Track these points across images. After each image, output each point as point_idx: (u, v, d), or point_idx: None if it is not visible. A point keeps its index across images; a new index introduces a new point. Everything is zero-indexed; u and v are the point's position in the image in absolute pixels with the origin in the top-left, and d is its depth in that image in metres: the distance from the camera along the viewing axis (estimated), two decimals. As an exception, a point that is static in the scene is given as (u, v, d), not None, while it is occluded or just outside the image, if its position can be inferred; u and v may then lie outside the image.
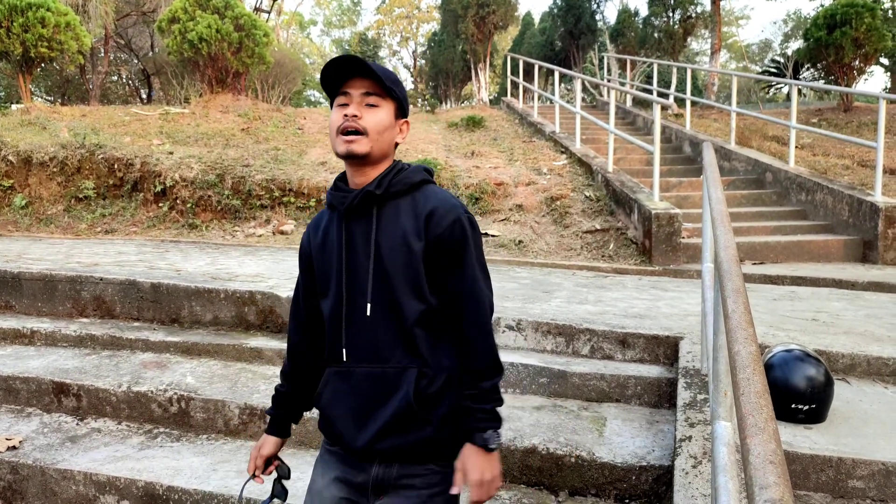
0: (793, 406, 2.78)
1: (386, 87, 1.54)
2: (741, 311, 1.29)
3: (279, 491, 1.82)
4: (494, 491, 1.56)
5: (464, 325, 1.56)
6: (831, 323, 4.04)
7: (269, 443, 1.78)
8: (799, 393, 2.78)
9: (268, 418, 1.83)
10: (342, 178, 1.65)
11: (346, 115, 1.52)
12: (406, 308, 1.54)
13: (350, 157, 1.55)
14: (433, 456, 1.58)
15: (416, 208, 1.56)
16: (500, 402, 1.58)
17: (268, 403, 3.35)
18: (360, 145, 1.52)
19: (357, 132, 1.52)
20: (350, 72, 1.54)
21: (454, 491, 1.56)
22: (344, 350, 1.59)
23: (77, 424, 3.52)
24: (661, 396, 3.36)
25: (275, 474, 1.83)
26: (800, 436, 2.67)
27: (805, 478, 2.54)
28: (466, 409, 1.55)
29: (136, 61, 23.81)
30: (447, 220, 1.54)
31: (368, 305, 1.55)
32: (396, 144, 1.63)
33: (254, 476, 1.78)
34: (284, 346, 3.95)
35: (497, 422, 1.56)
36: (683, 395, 2.92)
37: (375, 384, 1.57)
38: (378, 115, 1.54)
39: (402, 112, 1.61)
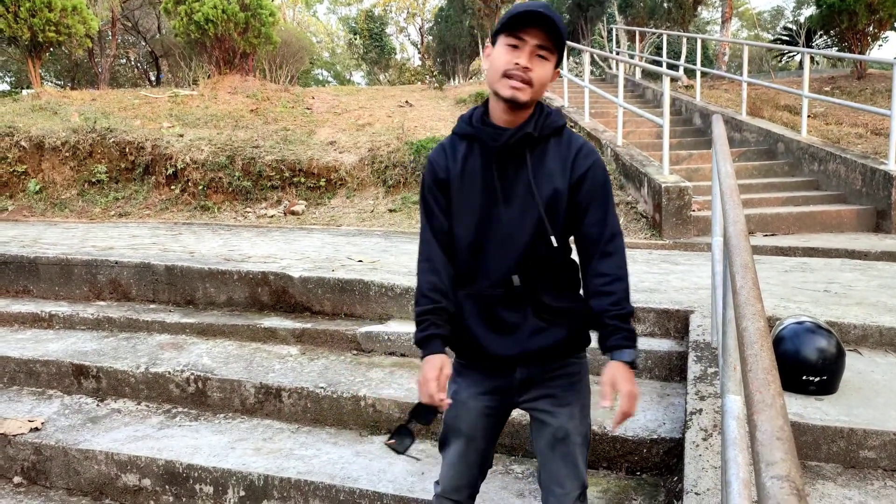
0: (804, 378, 2.79)
1: (560, 43, 1.61)
2: (749, 286, 1.30)
3: (406, 438, 1.77)
4: (636, 404, 1.67)
5: (608, 259, 1.69)
6: (843, 294, 4.03)
7: (447, 361, 1.69)
8: (810, 365, 2.79)
9: (423, 345, 1.73)
10: (483, 113, 1.73)
11: (517, 64, 1.58)
12: (546, 239, 1.69)
13: (512, 103, 1.62)
14: (569, 351, 1.78)
15: (560, 151, 1.70)
16: (635, 328, 1.73)
17: (283, 382, 3.41)
18: (525, 94, 1.61)
19: (524, 82, 1.59)
20: (534, 22, 1.58)
21: (605, 405, 1.64)
22: (484, 274, 1.72)
23: (97, 405, 3.59)
24: (672, 370, 3.37)
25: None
26: (811, 407, 2.68)
27: (816, 449, 2.55)
28: (612, 329, 1.67)
29: (143, 43, 23.77)
30: (589, 160, 1.70)
31: (513, 235, 1.69)
32: None
33: (435, 409, 1.68)
34: (297, 325, 4.01)
35: (636, 342, 1.70)
36: (694, 369, 2.94)
37: (514, 306, 1.72)
38: (545, 69, 1.62)
39: (559, 62, 1.69)
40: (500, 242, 1.70)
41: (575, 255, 1.81)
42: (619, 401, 1.65)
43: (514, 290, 1.71)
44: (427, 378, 1.65)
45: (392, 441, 1.79)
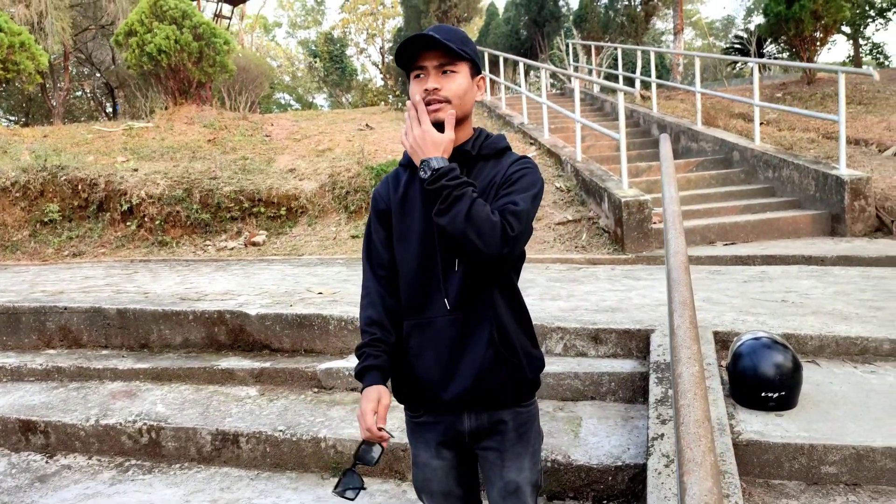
0: (762, 394, 2.78)
1: (457, 53, 1.59)
2: (686, 325, 1.26)
3: (353, 482, 1.66)
4: None
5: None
6: (800, 303, 4.06)
7: (385, 392, 1.64)
8: (768, 381, 2.78)
9: (361, 377, 1.69)
10: None
11: (426, 90, 1.59)
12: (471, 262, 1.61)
13: (436, 125, 1.60)
14: (516, 397, 1.69)
15: (496, 168, 1.66)
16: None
17: (240, 427, 3.31)
18: (444, 111, 1.59)
19: (439, 102, 1.59)
20: (421, 47, 1.58)
21: None
22: (428, 301, 1.66)
23: (46, 462, 3.44)
24: (636, 391, 3.35)
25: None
26: (771, 424, 2.67)
27: (778, 466, 2.54)
28: None
29: (98, 75, 23.41)
30: (521, 166, 1.65)
31: (454, 260, 1.63)
32: (474, 103, 1.70)
33: (374, 440, 1.61)
34: (256, 365, 3.91)
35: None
36: (655, 392, 2.92)
37: (457, 332, 1.64)
38: (456, 81, 1.61)
39: (476, 69, 1.67)
40: (446, 267, 1.64)
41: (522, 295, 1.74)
42: None
43: (458, 319, 1.65)
44: (364, 411, 1.60)
45: (338, 490, 1.70)
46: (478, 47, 15.55)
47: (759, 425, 2.66)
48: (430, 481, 1.78)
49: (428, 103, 1.59)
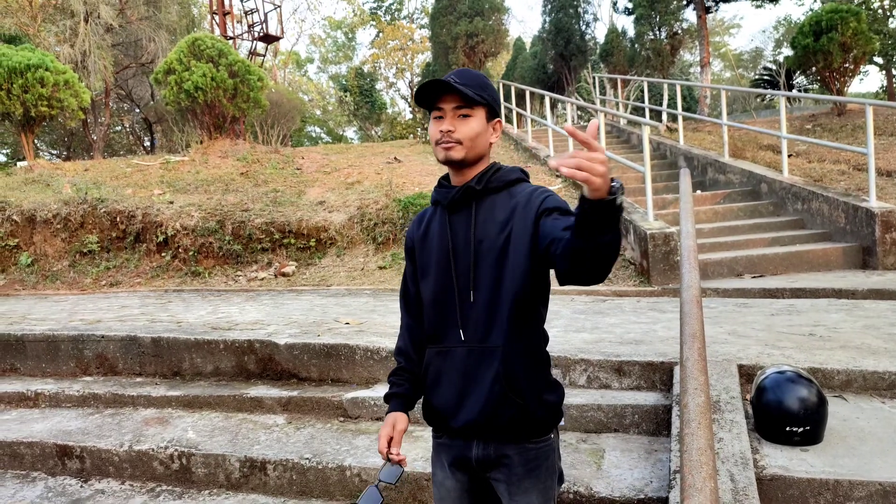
0: (787, 429, 2.77)
1: (473, 99, 1.68)
2: (695, 358, 1.31)
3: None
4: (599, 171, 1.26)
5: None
6: (828, 337, 4.02)
7: (401, 418, 1.80)
8: (793, 415, 2.77)
9: (388, 402, 1.85)
10: (446, 177, 1.82)
11: (441, 131, 1.70)
12: (501, 292, 1.68)
13: (448, 163, 1.73)
14: (527, 433, 1.71)
15: (511, 201, 1.72)
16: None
17: (268, 454, 3.37)
18: (456, 152, 1.70)
19: (451, 142, 1.69)
20: (441, 91, 1.69)
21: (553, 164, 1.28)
22: (445, 331, 1.75)
23: (81, 487, 3.54)
24: (660, 424, 3.35)
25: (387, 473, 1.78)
26: (796, 459, 2.66)
27: (803, 502, 2.52)
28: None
29: (137, 111, 24.23)
30: (543, 195, 1.69)
31: (469, 291, 1.71)
32: (491, 144, 1.77)
33: (388, 459, 1.76)
34: (284, 393, 3.99)
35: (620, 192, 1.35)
36: (677, 424, 2.92)
37: (472, 362, 1.71)
38: (469, 126, 1.70)
39: (493, 114, 1.76)
40: (462, 298, 1.73)
41: (542, 325, 1.76)
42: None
43: (472, 350, 1.71)
44: (380, 435, 1.78)
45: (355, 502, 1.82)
46: (504, 81, 15.80)
47: (784, 460, 2.64)
48: (444, 500, 1.84)
49: (438, 142, 1.71)
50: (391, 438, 1.76)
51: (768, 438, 2.85)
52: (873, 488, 2.46)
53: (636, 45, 17.07)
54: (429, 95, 1.71)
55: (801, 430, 2.77)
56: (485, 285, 1.70)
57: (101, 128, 19.95)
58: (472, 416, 1.70)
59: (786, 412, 2.78)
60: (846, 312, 4.82)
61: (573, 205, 1.71)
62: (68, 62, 16.07)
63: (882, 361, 3.43)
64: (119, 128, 26.12)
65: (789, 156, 8.82)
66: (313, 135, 37.45)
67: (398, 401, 1.83)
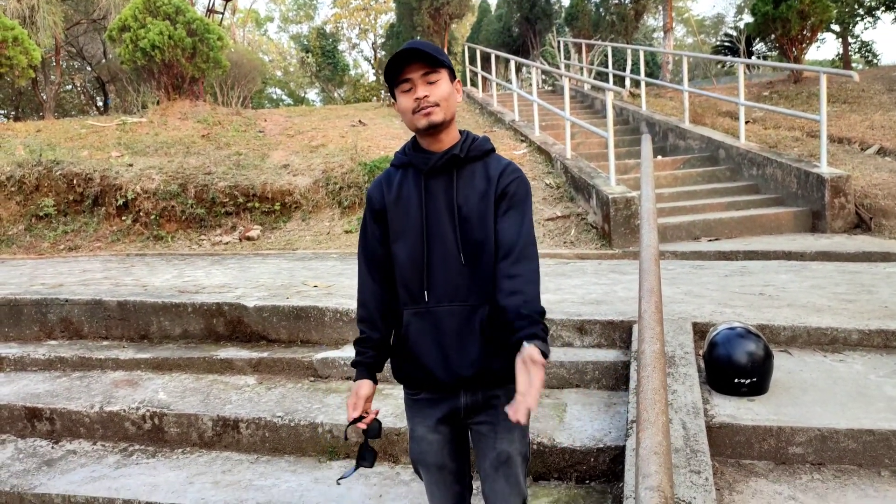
0: (736, 381, 2.95)
1: (438, 61, 1.76)
2: (651, 310, 1.41)
3: (367, 453, 1.96)
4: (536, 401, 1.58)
5: (521, 263, 1.76)
6: (777, 297, 4.24)
7: (365, 385, 1.93)
8: (741, 368, 2.95)
9: (354, 370, 1.97)
10: (414, 143, 1.89)
11: (416, 99, 1.76)
12: (481, 255, 1.80)
13: (431, 128, 1.78)
14: (511, 377, 1.74)
15: (487, 171, 1.84)
16: (547, 327, 1.77)
17: (240, 413, 3.45)
18: (437, 115, 1.77)
19: (430, 106, 1.76)
20: (406, 61, 1.75)
21: (518, 404, 1.56)
22: (426, 292, 1.83)
23: (52, 448, 3.57)
24: (619, 379, 3.51)
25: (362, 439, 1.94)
26: (743, 408, 2.84)
27: (749, 447, 2.71)
28: (525, 324, 1.68)
29: (89, 69, 23.36)
30: (513, 176, 1.84)
31: (454, 252, 1.81)
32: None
33: (358, 420, 1.90)
34: (254, 355, 4.05)
35: (547, 339, 1.70)
36: (635, 378, 3.07)
37: (456, 321, 1.81)
38: (441, 88, 1.78)
39: (452, 75, 1.84)
40: (442, 260, 1.82)
41: None
42: (523, 395, 1.56)
43: (455, 309, 1.82)
44: (349, 405, 1.93)
45: (366, 463, 1.97)
46: (469, 44, 15.70)
47: (732, 409, 2.82)
48: (426, 454, 1.95)
49: (418, 110, 1.77)
50: (355, 404, 1.90)
51: (718, 390, 3.03)
52: (812, 434, 2.66)
53: (601, 10, 17.09)
54: (395, 68, 1.77)
55: (748, 381, 2.95)
56: (466, 248, 1.80)
57: (52, 87, 19.20)
58: (464, 373, 1.83)
59: (735, 365, 2.96)
60: (795, 273, 5.06)
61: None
62: (16, 17, 15.37)
63: (825, 318, 3.64)
64: (70, 87, 25.16)
65: (746, 122, 9.05)
66: (274, 96, 36.65)
67: (362, 369, 1.95)
